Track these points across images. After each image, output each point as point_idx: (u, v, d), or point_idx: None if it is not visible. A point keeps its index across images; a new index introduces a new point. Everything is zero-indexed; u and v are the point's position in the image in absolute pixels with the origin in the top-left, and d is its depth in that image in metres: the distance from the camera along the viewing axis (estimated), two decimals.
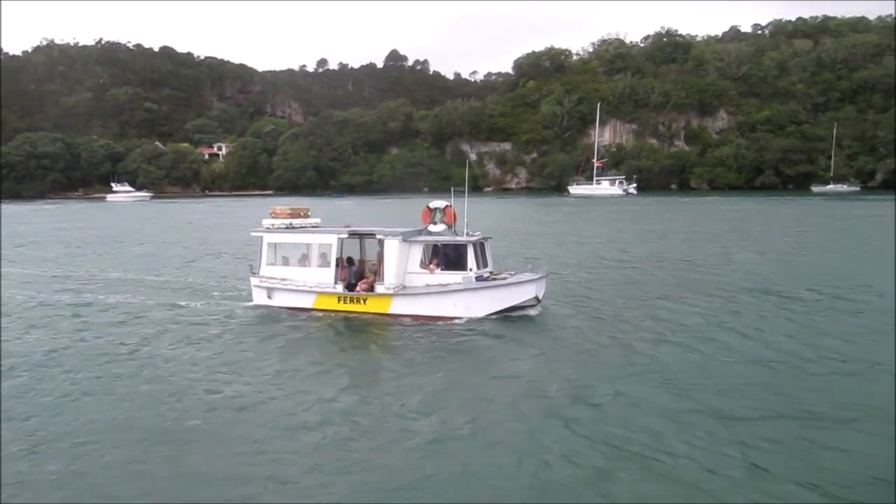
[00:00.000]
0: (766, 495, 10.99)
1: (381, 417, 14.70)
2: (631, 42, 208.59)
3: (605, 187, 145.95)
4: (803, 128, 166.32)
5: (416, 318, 23.59)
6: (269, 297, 25.96)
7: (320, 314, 24.66)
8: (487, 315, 23.45)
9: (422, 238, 24.95)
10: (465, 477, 11.81)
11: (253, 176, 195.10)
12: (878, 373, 17.44)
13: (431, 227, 25.60)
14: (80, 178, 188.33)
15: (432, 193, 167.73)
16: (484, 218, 66.73)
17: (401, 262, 24.28)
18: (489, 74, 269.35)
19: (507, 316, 23.58)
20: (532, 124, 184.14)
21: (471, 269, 23.97)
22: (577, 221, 73.71)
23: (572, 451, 12.77)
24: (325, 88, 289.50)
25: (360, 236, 26.32)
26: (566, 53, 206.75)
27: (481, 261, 24.66)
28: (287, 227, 26.54)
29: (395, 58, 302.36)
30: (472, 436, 13.63)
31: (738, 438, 13.20)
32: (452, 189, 27.83)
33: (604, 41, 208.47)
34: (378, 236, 24.78)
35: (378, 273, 24.78)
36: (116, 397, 16.19)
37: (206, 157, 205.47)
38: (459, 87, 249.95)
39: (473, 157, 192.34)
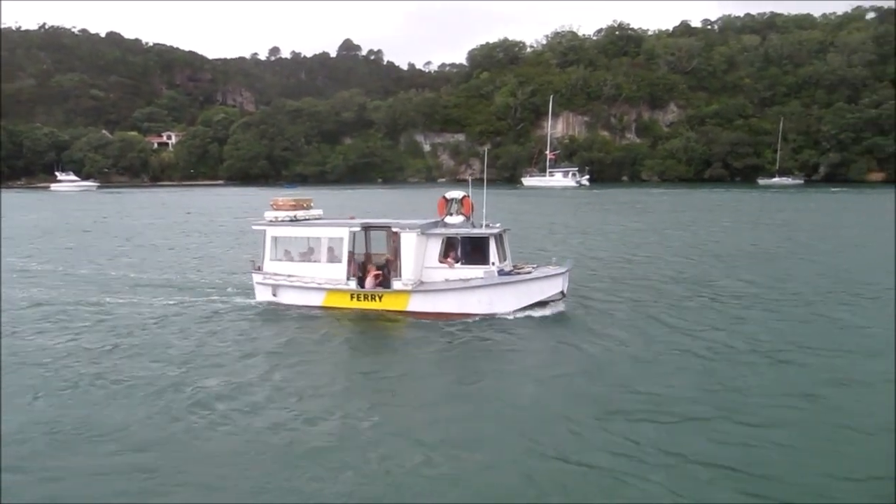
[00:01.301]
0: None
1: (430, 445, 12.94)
2: (584, 35, 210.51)
3: (558, 179, 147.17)
4: (750, 121, 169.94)
5: (436, 315, 22.27)
6: (275, 294, 24.37)
7: (331, 312, 23.11)
8: (513, 311, 22.31)
9: (440, 231, 23.51)
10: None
11: (203, 165, 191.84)
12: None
13: (449, 219, 24.22)
14: (23, 167, 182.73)
15: (386, 184, 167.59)
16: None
17: (418, 256, 22.91)
18: (443, 65, 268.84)
19: (534, 312, 22.41)
20: (486, 115, 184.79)
21: (493, 263, 22.79)
22: (531, 212, 74.17)
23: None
24: (277, 77, 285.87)
25: (373, 229, 24.93)
26: (520, 45, 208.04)
27: (502, 254, 23.48)
28: (292, 220, 25.05)
29: (348, 47, 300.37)
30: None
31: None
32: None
33: (557, 34, 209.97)
34: (394, 229, 23.26)
35: (394, 268, 23.27)
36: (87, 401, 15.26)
37: (155, 146, 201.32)
38: (414, 78, 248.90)
39: (427, 148, 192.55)
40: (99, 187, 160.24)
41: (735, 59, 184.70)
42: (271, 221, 24.93)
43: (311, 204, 26.48)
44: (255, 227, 25.51)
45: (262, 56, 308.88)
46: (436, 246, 23.24)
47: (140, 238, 49.86)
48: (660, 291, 27.03)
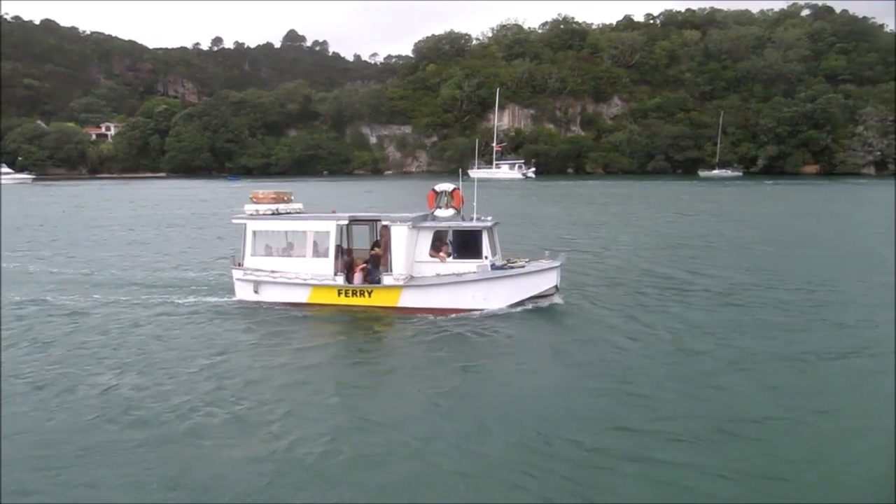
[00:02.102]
0: None
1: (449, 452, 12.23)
2: (529, 28, 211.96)
3: (504, 171, 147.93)
4: (691, 115, 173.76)
5: (428, 311, 21.57)
6: (256, 291, 23.24)
7: (318, 309, 22.20)
8: (508, 306, 21.80)
9: (431, 224, 22.81)
10: None
11: (144, 157, 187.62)
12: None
13: (439, 212, 23.61)
14: None
15: (332, 177, 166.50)
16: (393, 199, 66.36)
17: (409, 250, 22.19)
18: (389, 57, 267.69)
19: (529, 307, 22.02)
20: (432, 108, 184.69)
21: (486, 257, 22.20)
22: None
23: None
24: (220, 68, 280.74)
25: (357, 223, 24.04)
26: (466, 38, 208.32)
27: (493, 248, 22.84)
28: (273, 214, 23.90)
29: (293, 38, 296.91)
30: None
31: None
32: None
33: (503, 27, 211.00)
34: (384, 222, 22.48)
35: (384, 262, 22.52)
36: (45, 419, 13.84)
37: (94, 137, 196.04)
38: (360, 70, 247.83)
39: (374, 140, 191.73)
40: (34, 180, 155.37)
41: (676, 54, 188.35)
42: (252, 215, 23.76)
43: (292, 197, 25.30)
44: (234, 221, 24.26)
45: (205, 46, 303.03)
46: (426, 239, 22.62)
47: (95, 233, 47.87)
48: (639, 284, 27.25)
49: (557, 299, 22.57)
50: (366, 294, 22.33)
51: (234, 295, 23.82)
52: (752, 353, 17.70)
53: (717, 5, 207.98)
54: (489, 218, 23.10)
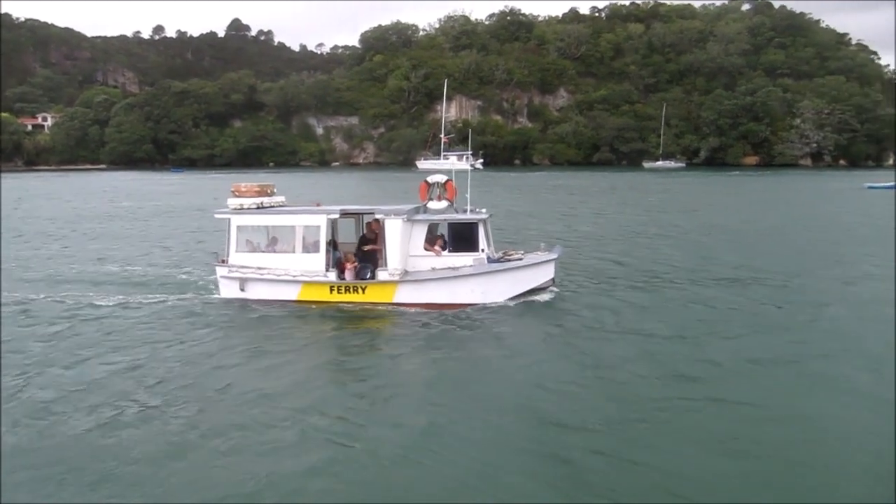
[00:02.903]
0: None
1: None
2: (476, 20, 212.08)
3: (452, 162, 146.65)
4: (636, 107, 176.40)
5: (425, 306, 20.94)
6: (242, 288, 22.17)
7: (308, 307, 21.32)
8: (506, 300, 21.34)
9: (426, 217, 22.17)
10: None
11: (83, 149, 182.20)
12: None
13: (432, 205, 22.90)
14: None
15: (278, 168, 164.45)
16: (340, 191, 65.82)
17: (404, 244, 21.46)
18: (336, 47, 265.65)
19: (528, 300, 21.56)
20: (379, 99, 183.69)
21: (482, 250, 21.68)
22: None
23: None
24: (161, 57, 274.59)
25: (351, 216, 23.12)
26: (413, 28, 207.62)
27: (488, 240, 22.23)
28: (259, 208, 22.94)
29: (237, 27, 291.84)
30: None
31: None
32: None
33: (450, 18, 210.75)
34: (377, 216, 21.74)
35: (381, 256, 21.83)
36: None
37: (29, 128, 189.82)
38: (305, 60, 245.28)
39: (320, 131, 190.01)
40: None
41: (621, 47, 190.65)
42: (236, 209, 22.68)
43: (275, 189, 24.21)
44: (217, 216, 23.08)
45: (145, 35, 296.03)
46: (421, 232, 21.87)
47: (44, 227, 46.01)
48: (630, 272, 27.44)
49: (553, 292, 22.27)
50: (359, 290, 21.60)
51: (217, 293, 22.82)
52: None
53: None
54: (483, 210, 22.49)
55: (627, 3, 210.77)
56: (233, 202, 22.96)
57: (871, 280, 25.68)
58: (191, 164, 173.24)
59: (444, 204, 22.82)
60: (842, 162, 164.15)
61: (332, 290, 21.72)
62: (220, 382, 14.99)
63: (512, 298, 21.45)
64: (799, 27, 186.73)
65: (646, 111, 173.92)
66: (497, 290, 21.45)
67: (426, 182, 23.34)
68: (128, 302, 22.46)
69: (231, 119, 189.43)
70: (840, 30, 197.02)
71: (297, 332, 19.09)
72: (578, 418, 12.77)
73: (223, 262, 22.67)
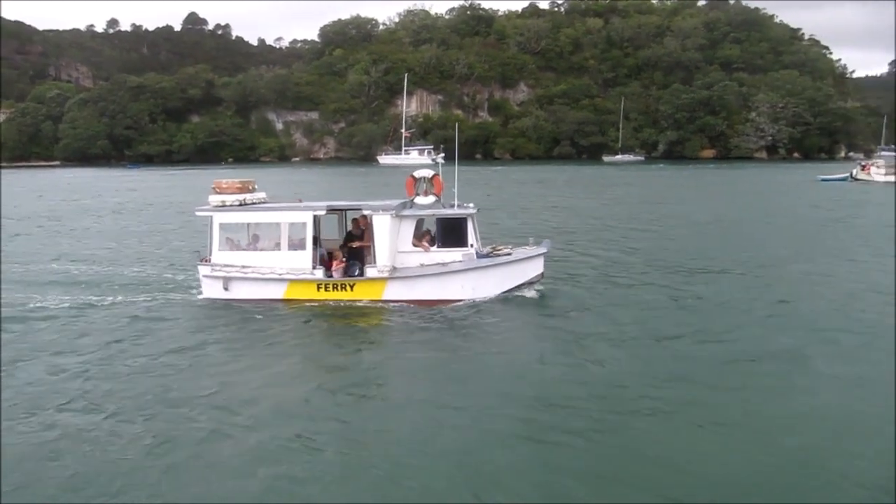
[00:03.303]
0: None
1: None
2: (436, 14, 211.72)
3: (413, 157, 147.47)
4: (595, 101, 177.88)
5: (414, 303, 20.85)
6: (226, 288, 21.65)
7: (295, 306, 21.01)
8: (496, 295, 21.30)
9: (414, 212, 21.87)
10: None
11: (35, 145, 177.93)
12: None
13: (419, 200, 22.53)
14: None
15: (237, 164, 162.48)
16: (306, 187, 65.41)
17: (393, 240, 21.15)
18: (295, 41, 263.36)
19: (517, 295, 21.53)
20: (339, 93, 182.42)
21: (472, 245, 21.48)
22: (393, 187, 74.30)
23: None
24: (116, 51, 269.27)
25: (339, 211, 22.83)
26: (373, 23, 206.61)
27: (476, 235, 22.01)
28: (241, 205, 22.30)
29: (194, 21, 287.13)
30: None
31: None
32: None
33: (410, 12, 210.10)
34: (365, 211, 21.43)
35: (368, 253, 21.56)
36: None
37: None
38: (264, 54, 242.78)
39: (280, 126, 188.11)
40: None
41: (580, 41, 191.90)
42: (218, 207, 22.03)
43: (256, 186, 23.54)
44: (198, 213, 22.56)
45: (99, 28, 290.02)
46: (409, 228, 21.65)
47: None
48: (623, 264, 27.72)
49: (541, 287, 22.24)
50: (348, 288, 21.34)
51: (199, 293, 22.33)
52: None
53: None
54: (470, 204, 22.11)
55: None
56: (214, 199, 22.27)
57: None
58: (148, 160, 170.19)
59: (431, 199, 22.50)
60: (796, 155, 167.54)
61: (319, 287, 21.40)
62: (203, 386, 14.50)
63: (502, 294, 21.39)
64: (753, 22, 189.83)
65: (605, 105, 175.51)
66: (487, 285, 21.34)
67: (413, 177, 23.09)
68: (100, 302, 21.83)
69: (188, 114, 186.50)
70: (793, 25, 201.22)
71: (285, 332, 18.76)
72: (575, 424, 12.51)
73: (205, 260, 22.13)
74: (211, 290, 21.96)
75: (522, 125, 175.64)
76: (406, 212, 21.74)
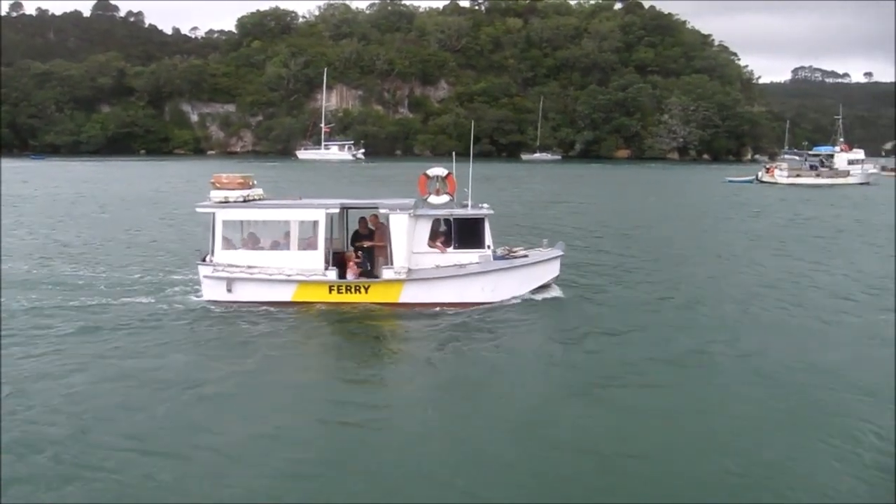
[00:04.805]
0: None
1: None
2: (357, 8, 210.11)
3: (334, 152, 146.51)
4: (515, 100, 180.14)
5: (432, 306, 20.13)
6: (229, 289, 20.42)
7: (305, 308, 19.95)
8: (514, 298, 20.76)
9: (430, 212, 21.07)
10: None
11: None
12: None
13: (432, 199, 21.74)
14: None
15: (150, 156, 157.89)
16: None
17: (409, 240, 20.32)
18: (211, 32, 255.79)
19: (536, 297, 21.09)
20: (257, 86, 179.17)
21: (488, 246, 20.93)
22: (312, 183, 73.42)
23: None
24: (20, 36, 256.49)
25: (353, 210, 22.00)
26: (292, 15, 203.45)
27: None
28: (245, 201, 21.07)
29: (104, 7, 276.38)
30: None
31: None
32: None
33: (330, 5, 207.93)
34: (382, 210, 20.59)
35: (381, 254, 20.87)
36: None
37: None
38: (179, 44, 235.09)
39: (195, 118, 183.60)
40: None
41: (500, 40, 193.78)
42: (221, 203, 20.78)
43: (254, 181, 22.29)
44: (199, 210, 21.18)
45: (2, 11, 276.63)
46: (425, 228, 20.80)
47: None
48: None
49: (557, 289, 21.88)
50: (362, 290, 20.48)
51: (198, 294, 21.08)
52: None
53: None
54: (485, 205, 21.42)
55: None
56: (216, 195, 20.98)
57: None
58: (54, 150, 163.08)
59: (445, 198, 21.78)
60: (705, 156, 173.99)
61: (331, 290, 20.51)
62: (206, 400, 13.55)
63: (519, 296, 20.98)
64: (667, 27, 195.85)
65: (524, 104, 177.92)
66: (506, 288, 20.85)
67: (425, 175, 22.29)
68: (86, 306, 20.12)
69: (98, 104, 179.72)
70: (704, 31, 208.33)
71: (295, 339, 17.85)
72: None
73: (205, 260, 20.88)
74: (212, 291, 20.71)
75: (443, 122, 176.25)
76: (422, 211, 21.05)
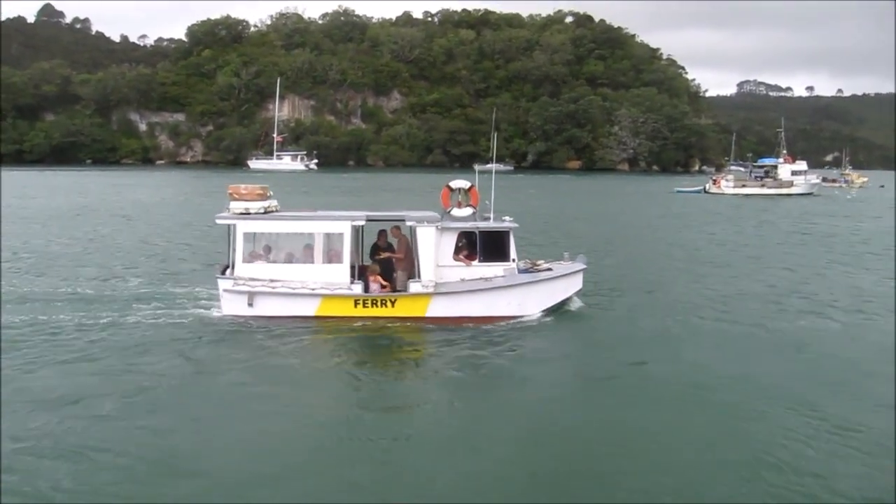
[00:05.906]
0: None
1: None
2: (309, 18, 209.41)
3: (286, 162, 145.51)
4: (467, 111, 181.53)
5: (459, 320, 19.62)
6: (250, 304, 19.71)
7: (329, 323, 19.28)
8: (540, 312, 20.44)
9: (455, 224, 20.52)
10: None
11: None
12: None
13: (456, 212, 21.09)
14: None
15: (96, 166, 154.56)
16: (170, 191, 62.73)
17: (436, 253, 19.90)
18: (160, 40, 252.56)
19: (561, 311, 20.84)
20: (208, 95, 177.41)
21: (514, 260, 20.52)
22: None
23: None
24: None
25: (377, 222, 21.32)
26: (243, 24, 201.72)
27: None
28: (266, 212, 20.40)
29: (49, 13, 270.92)
30: None
31: None
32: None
33: (282, 14, 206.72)
34: (409, 223, 20.12)
35: (402, 267, 20.44)
36: None
37: None
38: (127, 52, 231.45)
39: (143, 127, 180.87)
40: None
41: (453, 52, 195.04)
42: (242, 214, 20.13)
43: (270, 192, 21.48)
44: (219, 221, 20.46)
45: None
46: (450, 241, 20.34)
47: None
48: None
49: (580, 303, 21.80)
50: (388, 304, 19.94)
51: (217, 309, 20.23)
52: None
53: (491, 6, 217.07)
54: (508, 217, 21.00)
55: (459, 9, 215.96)
56: (236, 206, 20.30)
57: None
58: None
59: (468, 211, 21.20)
60: (655, 167, 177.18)
61: (356, 304, 19.92)
62: (231, 419, 12.98)
63: (546, 310, 20.71)
64: (617, 41, 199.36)
65: (477, 115, 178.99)
66: (533, 302, 20.55)
67: (448, 187, 21.68)
68: (96, 322, 19.13)
69: (43, 112, 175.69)
70: (653, 45, 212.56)
71: (320, 356, 17.33)
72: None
73: (226, 273, 20.18)
74: (232, 305, 19.94)
75: (395, 133, 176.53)
76: (448, 224, 20.52)
